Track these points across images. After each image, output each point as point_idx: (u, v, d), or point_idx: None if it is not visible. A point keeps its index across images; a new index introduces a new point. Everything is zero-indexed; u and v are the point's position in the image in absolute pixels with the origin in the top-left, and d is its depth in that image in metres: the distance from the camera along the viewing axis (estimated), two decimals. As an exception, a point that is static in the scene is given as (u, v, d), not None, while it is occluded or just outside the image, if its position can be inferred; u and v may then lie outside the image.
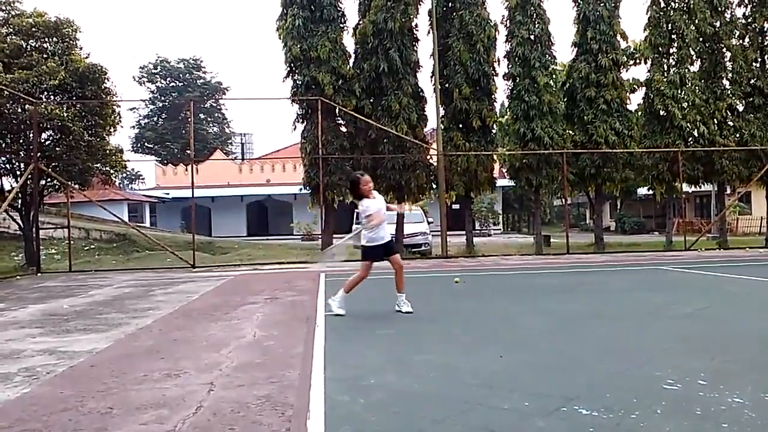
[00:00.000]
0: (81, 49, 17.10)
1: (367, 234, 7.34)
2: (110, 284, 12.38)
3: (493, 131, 20.33)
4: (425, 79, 21.89)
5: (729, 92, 19.70)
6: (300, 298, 8.98)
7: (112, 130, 17.47)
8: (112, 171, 18.42)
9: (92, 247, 23.20)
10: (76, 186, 16.92)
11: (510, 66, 19.49)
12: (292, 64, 18.22)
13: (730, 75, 19.81)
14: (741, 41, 19.95)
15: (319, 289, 10.27)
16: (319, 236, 19.27)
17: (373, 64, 17.93)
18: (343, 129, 18.89)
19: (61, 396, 4.13)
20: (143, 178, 53.46)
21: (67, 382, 4.53)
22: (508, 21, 19.54)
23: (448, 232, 18.54)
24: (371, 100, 18.39)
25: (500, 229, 42.87)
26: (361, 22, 18.38)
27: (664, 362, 4.58)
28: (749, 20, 19.92)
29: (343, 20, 18.65)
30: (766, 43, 19.87)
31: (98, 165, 17.50)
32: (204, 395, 4.04)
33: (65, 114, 15.90)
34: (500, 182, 25.75)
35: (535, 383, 4.14)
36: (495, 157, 20.88)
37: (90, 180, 17.88)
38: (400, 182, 18.20)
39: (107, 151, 17.44)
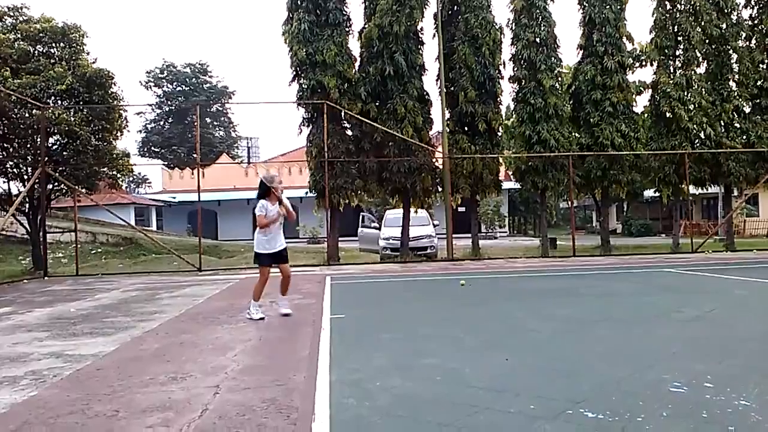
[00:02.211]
0: (88, 54, 17.19)
1: (258, 237, 7.60)
2: (117, 288, 12.43)
3: (499, 134, 20.28)
4: (430, 83, 21.98)
5: (735, 94, 19.64)
6: (305, 302, 8.99)
7: (118, 134, 17.55)
8: (118, 175, 18.47)
9: (99, 250, 23.30)
10: (83, 190, 16.98)
11: (515, 69, 19.50)
12: (297, 68, 18.24)
13: (736, 77, 19.76)
14: (747, 43, 19.91)
15: (324, 292, 10.28)
16: (325, 239, 19.27)
17: (378, 67, 17.94)
18: (349, 132, 18.88)
19: (68, 399, 4.15)
20: (150, 182, 53.75)
21: (73, 385, 4.55)
22: (513, 24, 19.55)
23: (453, 235, 18.54)
24: (377, 104, 18.39)
25: (506, 232, 42.78)
26: (366, 26, 18.40)
27: (670, 365, 4.57)
28: (756, 22, 19.88)
29: (348, 24, 18.65)
30: (772, 45, 19.81)
31: (105, 169, 17.56)
32: (210, 398, 4.05)
33: (72, 119, 15.98)
34: (506, 185, 25.72)
35: (541, 386, 4.13)
36: (501, 159, 20.86)
37: (97, 184, 17.92)
38: (406, 185, 18.20)
39: (114, 156, 17.52)
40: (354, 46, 18.77)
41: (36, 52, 16.56)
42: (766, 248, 20.09)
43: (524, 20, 19.15)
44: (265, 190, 7.54)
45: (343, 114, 18.24)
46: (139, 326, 7.23)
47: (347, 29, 18.57)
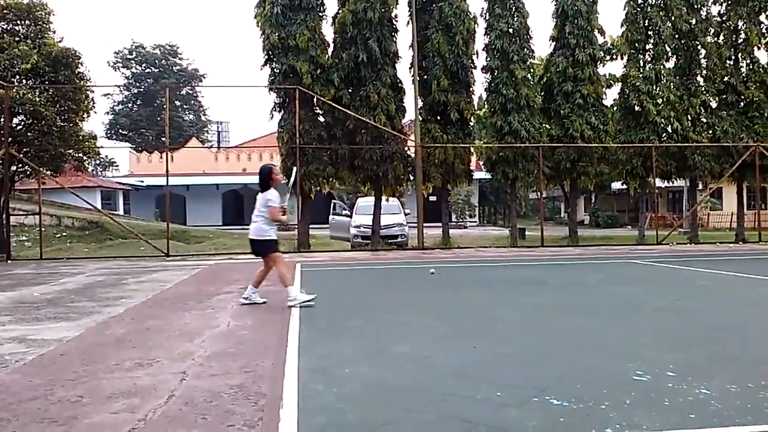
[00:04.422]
0: (54, 32, 16.81)
1: (266, 227, 7.26)
2: (82, 272, 12.22)
3: (471, 124, 20.37)
4: (404, 70, 21.78)
5: (703, 89, 19.99)
6: (275, 288, 8.93)
7: (85, 115, 17.21)
8: (85, 157, 18.13)
9: (64, 234, 22.84)
10: (48, 172, 16.64)
11: (488, 59, 19.55)
12: (270, 52, 18.06)
13: (704, 72, 20.10)
14: (716, 39, 20.22)
15: (294, 279, 10.23)
16: (296, 227, 19.18)
17: (351, 53, 17.83)
18: (321, 119, 18.78)
19: (31, 384, 4.07)
20: (117, 165, 52.83)
21: (36, 370, 4.47)
22: (487, 14, 19.59)
23: (424, 224, 18.60)
24: (350, 90, 18.30)
25: (476, 222, 43.10)
26: (340, 11, 18.25)
27: (634, 355, 4.65)
28: (724, 18, 20.20)
29: (322, 9, 18.49)
30: (739, 41, 20.15)
31: (71, 151, 17.23)
32: (176, 384, 4.01)
33: (37, 99, 15.62)
34: (477, 175, 25.85)
35: (508, 374, 4.17)
36: (472, 149, 20.96)
37: (62, 166, 17.59)
38: (378, 173, 18.17)
39: (80, 137, 17.18)
40: (327, 31, 18.68)
41: (0, 29, 16.11)
42: (728, 241, 20.56)
43: (498, 10, 19.19)
44: (268, 179, 7.28)
45: (315, 100, 18.12)
46: (105, 311, 7.12)
47: (321, 14, 18.43)
